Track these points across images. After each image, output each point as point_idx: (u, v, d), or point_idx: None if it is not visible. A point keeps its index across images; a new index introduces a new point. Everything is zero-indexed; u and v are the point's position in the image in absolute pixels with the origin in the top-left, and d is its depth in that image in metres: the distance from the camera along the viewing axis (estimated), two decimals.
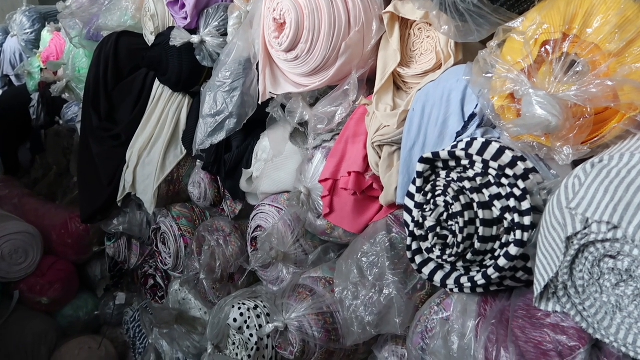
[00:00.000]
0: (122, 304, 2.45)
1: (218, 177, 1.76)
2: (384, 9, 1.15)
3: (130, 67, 1.98)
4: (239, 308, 1.40)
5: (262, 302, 1.42)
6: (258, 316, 1.38)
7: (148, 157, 1.87)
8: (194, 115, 1.75)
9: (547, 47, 0.79)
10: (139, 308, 2.32)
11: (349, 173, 1.20)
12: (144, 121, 1.90)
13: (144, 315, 2.14)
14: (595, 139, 0.77)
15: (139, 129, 1.91)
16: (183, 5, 1.67)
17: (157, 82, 1.88)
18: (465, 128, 0.94)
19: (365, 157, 1.18)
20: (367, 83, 1.25)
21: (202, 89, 1.53)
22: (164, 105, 1.86)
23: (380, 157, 1.15)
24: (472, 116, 0.94)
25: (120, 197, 2.00)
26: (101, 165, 2.03)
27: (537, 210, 0.79)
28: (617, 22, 0.73)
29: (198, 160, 1.79)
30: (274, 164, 1.45)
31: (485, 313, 0.88)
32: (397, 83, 1.18)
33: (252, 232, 1.56)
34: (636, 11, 0.73)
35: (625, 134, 0.75)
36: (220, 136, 1.42)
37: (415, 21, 1.11)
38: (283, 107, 1.36)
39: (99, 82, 2.01)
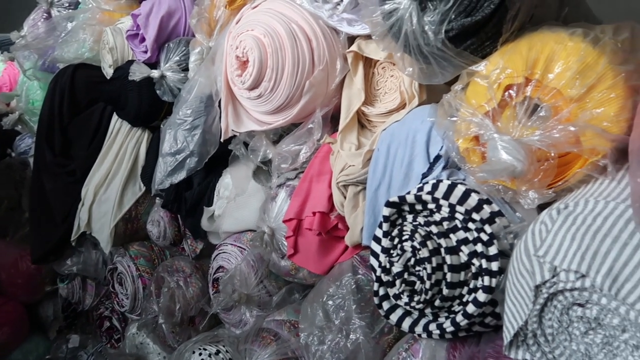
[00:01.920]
0: (76, 347, 2.32)
1: (178, 215, 1.71)
2: (348, 48, 1.15)
3: (87, 100, 1.92)
4: (200, 354, 1.34)
5: (224, 346, 1.36)
6: None
7: (105, 194, 1.81)
8: (153, 150, 1.70)
9: (511, 91, 0.79)
10: (93, 352, 2.21)
11: (314, 213, 1.18)
12: (101, 157, 1.84)
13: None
14: (560, 182, 0.77)
15: (96, 165, 1.85)
16: (143, 39, 1.64)
17: (115, 117, 1.83)
18: (430, 169, 0.94)
19: (330, 196, 1.16)
20: (332, 121, 1.24)
21: (162, 125, 1.49)
22: (122, 140, 1.81)
23: (345, 197, 1.13)
24: (438, 158, 0.93)
25: (75, 236, 1.92)
26: (55, 203, 1.95)
27: (504, 255, 0.79)
28: (577, 68, 0.74)
29: (157, 198, 1.74)
30: (236, 202, 1.42)
31: (454, 359, 0.86)
32: (362, 121, 1.17)
33: (214, 273, 1.51)
34: (595, 57, 0.74)
35: (588, 178, 0.75)
36: (181, 175, 1.38)
37: (379, 60, 1.11)
38: (246, 144, 1.33)
39: (53, 116, 1.94)
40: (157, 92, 1.61)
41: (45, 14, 2.26)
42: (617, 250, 0.63)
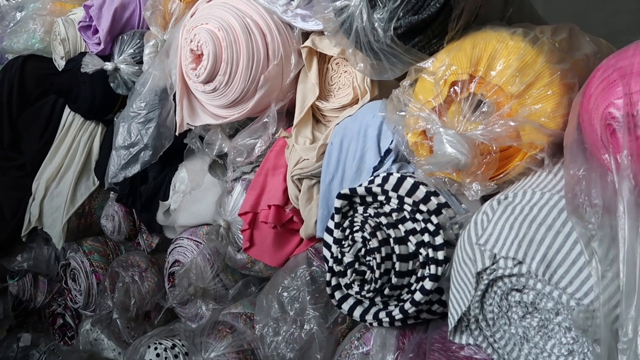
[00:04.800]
0: (27, 346, 2.26)
1: (133, 210, 1.68)
2: (302, 44, 1.16)
3: (37, 93, 1.87)
4: (155, 348, 1.34)
5: (180, 340, 1.36)
6: (176, 356, 1.33)
7: (57, 188, 1.77)
8: (107, 144, 1.68)
9: (456, 87, 0.82)
10: (45, 350, 2.15)
11: (269, 206, 1.19)
12: (53, 150, 1.80)
13: (52, 358, 1.99)
14: (501, 175, 0.81)
15: (47, 159, 1.80)
16: (96, 31, 1.61)
17: (67, 110, 1.79)
18: (381, 163, 0.96)
19: (285, 190, 1.18)
20: (287, 115, 1.26)
21: (115, 118, 1.47)
22: (74, 134, 1.77)
23: (299, 190, 1.14)
24: (388, 151, 0.96)
25: (25, 231, 1.87)
26: (3, 197, 1.89)
27: (450, 245, 0.82)
28: (517, 66, 0.77)
29: (112, 192, 1.71)
30: (192, 196, 1.41)
31: (403, 347, 0.89)
32: (316, 116, 1.19)
33: (170, 267, 1.50)
34: (534, 56, 0.78)
35: (528, 171, 0.79)
36: (135, 169, 1.37)
37: (333, 56, 1.13)
38: (201, 138, 1.33)
39: (2, 108, 1.88)
40: (111, 85, 1.58)
41: None
42: (550, 238, 0.67)
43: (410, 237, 0.84)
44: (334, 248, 0.92)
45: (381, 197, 0.88)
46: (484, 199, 0.82)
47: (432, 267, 0.81)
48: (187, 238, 1.45)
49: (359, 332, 1.01)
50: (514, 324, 0.73)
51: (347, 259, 0.88)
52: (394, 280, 0.84)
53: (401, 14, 0.83)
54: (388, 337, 0.92)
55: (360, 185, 0.90)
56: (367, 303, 0.91)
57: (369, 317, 0.90)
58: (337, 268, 0.91)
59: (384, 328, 0.92)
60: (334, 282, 0.93)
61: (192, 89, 1.26)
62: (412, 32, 0.85)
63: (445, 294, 0.82)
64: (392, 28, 0.84)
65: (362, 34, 0.88)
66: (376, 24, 0.86)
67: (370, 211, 0.88)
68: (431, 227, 0.82)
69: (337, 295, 0.93)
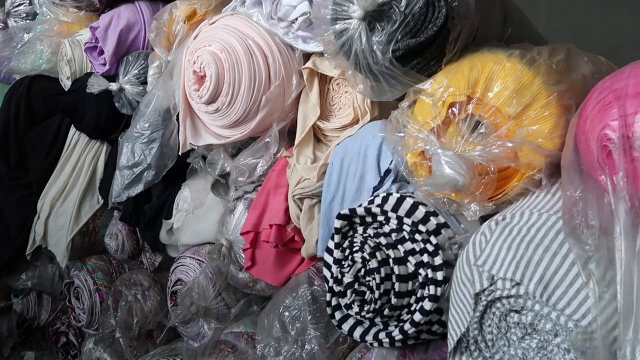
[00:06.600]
0: None
1: (137, 228, 1.69)
2: (304, 65, 1.18)
3: (44, 112, 1.90)
4: None
5: None
6: None
7: (61, 207, 1.78)
8: (112, 163, 1.69)
9: (454, 108, 0.83)
10: None
11: (271, 225, 1.19)
12: (58, 169, 1.81)
13: None
14: (500, 195, 0.81)
15: (52, 178, 1.82)
16: (102, 52, 1.64)
17: (72, 129, 1.81)
18: (381, 183, 0.97)
19: (287, 209, 1.18)
20: (289, 135, 1.27)
21: (120, 138, 1.49)
22: (79, 153, 1.79)
23: (301, 210, 1.15)
24: (388, 172, 0.97)
25: (30, 249, 1.88)
26: (9, 216, 1.90)
27: (449, 265, 0.82)
28: (514, 88, 0.78)
29: (116, 211, 1.73)
30: (194, 215, 1.42)
31: None
32: (318, 136, 1.20)
33: (172, 286, 1.50)
34: (531, 78, 0.79)
35: (526, 191, 0.79)
36: (138, 188, 1.38)
37: (334, 77, 1.15)
38: (204, 157, 1.34)
39: (9, 127, 1.90)
40: (116, 105, 1.60)
41: (1, 24, 2.23)
42: (548, 259, 0.67)
43: (410, 258, 0.84)
44: (334, 268, 0.92)
45: (380, 218, 0.88)
46: (483, 219, 0.82)
47: (432, 287, 0.81)
48: (190, 257, 1.45)
49: (359, 353, 1.00)
50: (513, 345, 0.73)
51: (347, 279, 0.88)
52: (393, 300, 0.84)
53: (399, 37, 0.85)
54: (388, 357, 0.92)
55: (360, 205, 0.91)
56: (367, 323, 0.91)
57: (369, 338, 0.90)
58: (337, 288, 0.91)
59: (385, 348, 0.92)
60: (334, 302, 0.93)
61: (195, 109, 1.28)
62: (410, 54, 0.86)
63: (445, 314, 0.82)
64: (390, 50, 0.86)
65: (362, 56, 0.89)
66: (375, 47, 0.87)
67: (370, 231, 0.89)
68: (430, 248, 0.83)
69: (338, 315, 0.93)
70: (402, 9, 0.84)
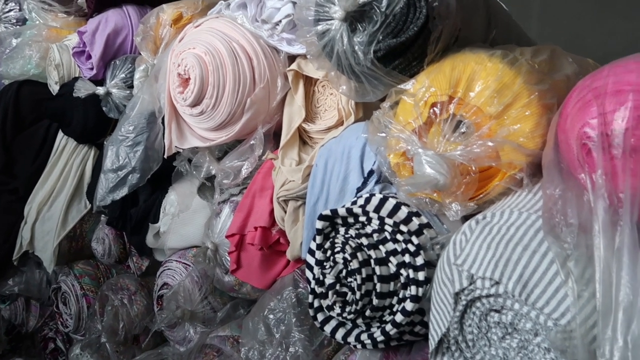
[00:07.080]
0: None
1: (124, 233, 1.68)
2: (288, 67, 1.17)
3: (32, 117, 1.89)
4: None
5: None
6: None
7: (48, 212, 1.77)
8: (99, 168, 1.68)
9: (436, 108, 0.83)
10: None
11: (256, 228, 1.19)
12: (45, 174, 1.80)
13: None
14: (481, 195, 0.81)
15: (39, 183, 1.81)
16: (89, 56, 1.63)
17: (60, 134, 1.80)
18: (364, 184, 0.97)
19: (272, 211, 1.18)
20: (274, 137, 1.26)
21: (105, 142, 1.49)
22: (67, 158, 1.78)
23: (285, 212, 1.14)
24: (371, 173, 0.96)
25: (17, 255, 1.86)
26: None
27: (431, 265, 0.81)
28: (495, 87, 0.78)
29: (103, 215, 1.71)
30: (181, 218, 1.41)
31: None
32: (303, 138, 1.20)
33: (159, 290, 1.49)
34: (512, 77, 0.79)
35: (508, 191, 0.79)
36: (123, 192, 1.37)
37: (319, 79, 1.14)
38: (190, 161, 1.34)
39: None
40: (103, 109, 1.60)
41: None
42: (526, 258, 0.67)
43: (391, 258, 0.84)
44: (316, 269, 0.92)
45: (362, 218, 0.88)
46: (465, 219, 0.81)
47: (413, 288, 0.80)
48: (176, 260, 1.44)
49: (343, 355, 1.00)
50: (494, 345, 0.72)
51: (329, 280, 0.87)
52: (375, 301, 0.83)
53: (380, 37, 0.85)
54: (372, 359, 0.91)
55: (343, 206, 0.90)
56: (349, 325, 0.90)
57: (352, 339, 0.89)
58: (319, 290, 0.90)
59: (368, 350, 0.91)
60: (316, 303, 0.92)
61: (180, 112, 1.27)
62: (391, 54, 0.86)
63: (427, 315, 0.81)
64: (372, 51, 0.85)
65: (343, 57, 0.89)
66: (356, 47, 0.87)
67: (352, 232, 0.88)
68: (412, 248, 0.82)
69: (320, 317, 0.92)
70: (383, 9, 0.83)
